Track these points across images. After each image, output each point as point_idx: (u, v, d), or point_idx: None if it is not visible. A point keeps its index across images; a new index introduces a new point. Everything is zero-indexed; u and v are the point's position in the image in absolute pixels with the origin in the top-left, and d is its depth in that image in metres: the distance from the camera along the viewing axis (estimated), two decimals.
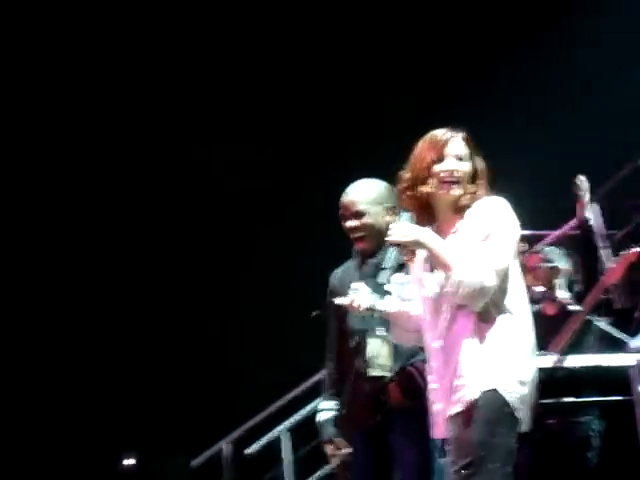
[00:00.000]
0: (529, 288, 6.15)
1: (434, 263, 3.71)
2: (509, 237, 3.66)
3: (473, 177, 3.75)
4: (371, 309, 3.89)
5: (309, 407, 6.87)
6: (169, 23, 9.48)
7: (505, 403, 3.57)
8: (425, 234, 3.69)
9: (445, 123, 3.86)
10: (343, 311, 4.37)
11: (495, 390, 3.58)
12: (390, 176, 4.12)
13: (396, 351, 4.45)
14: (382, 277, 4.04)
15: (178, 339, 9.42)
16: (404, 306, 3.90)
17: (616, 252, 6.90)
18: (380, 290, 4.11)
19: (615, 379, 5.52)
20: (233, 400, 8.82)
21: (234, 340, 9.29)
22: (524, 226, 7.27)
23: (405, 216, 3.77)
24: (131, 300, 9.44)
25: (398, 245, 3.73)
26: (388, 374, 4.46)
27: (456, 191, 3.73)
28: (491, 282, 3.56)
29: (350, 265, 4.72)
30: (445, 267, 3.63)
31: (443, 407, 3.69)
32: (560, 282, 6.07)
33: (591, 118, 8.32)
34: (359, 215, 4.58)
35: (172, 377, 9.33)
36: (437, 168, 3.74)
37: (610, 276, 5.69)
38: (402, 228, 3.71)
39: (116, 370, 9.39)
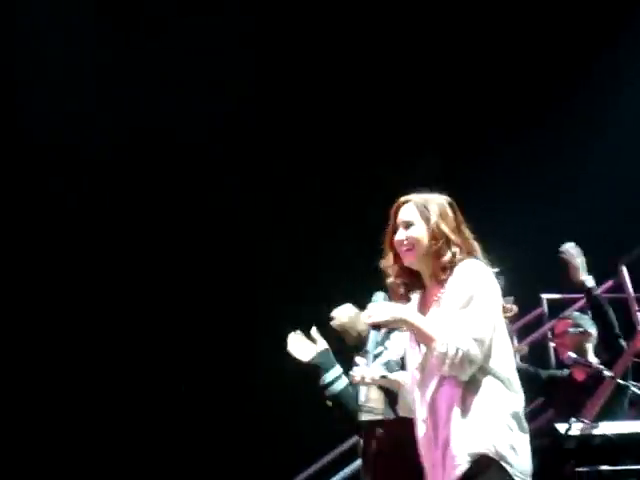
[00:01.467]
0: (560, 353, 6.20)
1: (417, 337, 3.68)
2: (487, 302, 3.59)
3: (446, 240, 3.71)
4: (383, 377, 3.98)
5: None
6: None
7: (500, 468, 3.48)
8: (404, 311, 3.65)
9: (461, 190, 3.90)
10: None
11: (487, 456, 3.49)
12: None
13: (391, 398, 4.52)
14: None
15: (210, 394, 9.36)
16: (404, 376, 3.92)
17: None
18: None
19: None
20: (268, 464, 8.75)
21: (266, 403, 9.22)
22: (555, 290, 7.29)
23: (380, 295, 3.80)
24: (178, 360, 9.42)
25: (377, 326, 3.66)
26: (378, 417, 4.51)
27: (411, 258, 3.71)
28: (474, 350, 3.51)
29: None
30: (428, 340, 3.59)
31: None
32: (590, 347, 6.05)
33: (621, 181, 8.33)
34: None
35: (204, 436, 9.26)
36: (395, 240, 3.77)
37: None
38: (380, 308, 3.66)
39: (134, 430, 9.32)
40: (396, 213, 3.77)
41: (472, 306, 3.56)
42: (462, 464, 3.50)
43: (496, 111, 9.14)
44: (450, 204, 3.78)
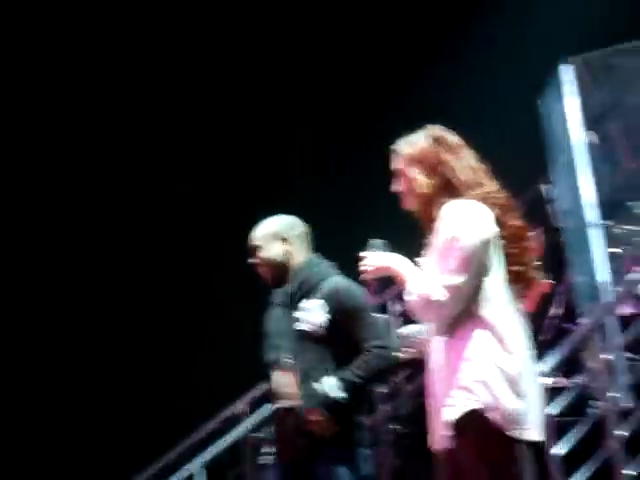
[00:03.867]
0: None
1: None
2: (465, 247, 3.43)
3: (424, 184, 3.61)
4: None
5: (226, 439, 6.74)
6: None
7: (490, 423, 3.34)
8: (393, 260, 3.58)
9: None
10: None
11: (474, 411, 3.36)
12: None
13: (302, 384, 4.48)
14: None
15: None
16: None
17: None
18: (292, 319, 4.49)
19: None
20: (144, 433, 8.70)
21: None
22: None
23: (376, 243, 3.69)
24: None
25: (370, 281, 3.64)
26: (294, 403, 4.46)
27: (406, 206, 3.68)
28: (438, 296, 3.38)
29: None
30: (405, 287, 3.52)
31: (435, 430, 3.51)
32: None
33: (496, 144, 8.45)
34: (256, 250, 4.74)
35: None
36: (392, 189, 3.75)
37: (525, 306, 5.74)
38: (371, 260, 3.62)
39: None
40: (392, 162, 3.73)
41: (448, 253, 3.43)
42: (450, 416, 3.39)
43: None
44: (434, 138, 3.67)
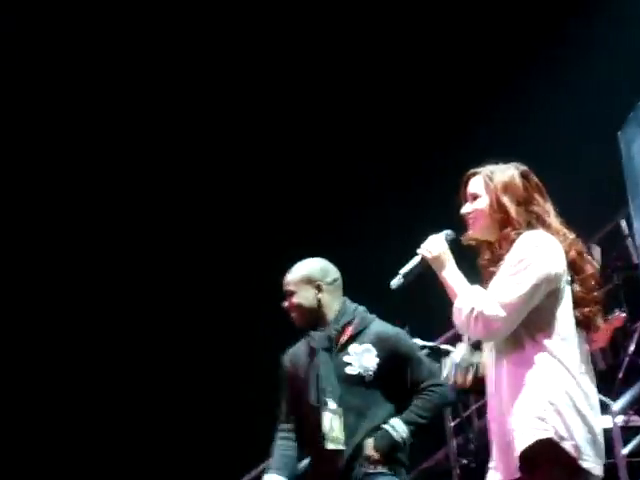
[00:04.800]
0: None
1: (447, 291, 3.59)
2: (530, 271, 3.43)
3: (507, 213, 3.58)
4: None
5: None
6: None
7: (563, 452, 3.33)
8: (443, 257, 3.59)
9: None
10: (303, 387, 4.61)
11: (548, 440, 3.35)
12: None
13: (355, 426, 4.52)
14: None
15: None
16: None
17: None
18: (341, 363, 4.50)
19: None
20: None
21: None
22: None
23: (446, 232, 3.70)
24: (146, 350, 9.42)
25: (422, 258, 3.65)
26: (341, 447, 4.51)
27: (474, 231, 3.64)
28: (490, 311, 3.39)
29: (300, 344, 4.82)
30: (452, 295, 3.54)
31: (500, 466, 3.50)
32: None
33: (573, 179, 8.39)
34: (290, 295, 4.74)
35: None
36: (461, 213, 3.71)
37: (597, 340, 5.71)
38: (433, 242, 3.64)
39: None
40: (465, 186, 3.71)
41: (512, 274, 3.45)
42: (521, 445, 3.36)
43: None
44: (523, 174, 3.65)
